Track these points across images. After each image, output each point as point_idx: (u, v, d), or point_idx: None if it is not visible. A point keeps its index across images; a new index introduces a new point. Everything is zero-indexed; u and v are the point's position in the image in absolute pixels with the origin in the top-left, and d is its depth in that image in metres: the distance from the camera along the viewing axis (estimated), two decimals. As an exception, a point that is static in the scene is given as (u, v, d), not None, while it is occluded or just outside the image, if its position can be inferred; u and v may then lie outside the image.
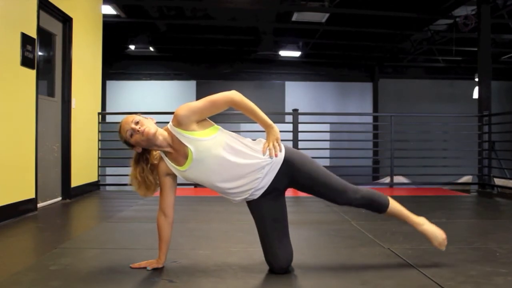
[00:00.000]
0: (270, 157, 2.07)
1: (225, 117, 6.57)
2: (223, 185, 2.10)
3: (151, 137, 2.07)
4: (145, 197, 2.26)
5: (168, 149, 2.12)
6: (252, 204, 2.18)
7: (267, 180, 2.09)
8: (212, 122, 2.14)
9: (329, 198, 2.18)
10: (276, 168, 2.09)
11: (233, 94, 2.06)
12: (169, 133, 2.10)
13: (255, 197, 2.13)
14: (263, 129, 2.14)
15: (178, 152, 2.10)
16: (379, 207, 2.22)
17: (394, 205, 2.25)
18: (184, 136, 2.06)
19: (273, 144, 2.07)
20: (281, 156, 2.10)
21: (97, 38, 5.78)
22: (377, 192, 2.25)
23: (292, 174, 2.12)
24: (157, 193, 2.25)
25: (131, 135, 2.09)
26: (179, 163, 2.12)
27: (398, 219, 2.28)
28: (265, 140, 2.12)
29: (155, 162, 2.22)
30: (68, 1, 4.79)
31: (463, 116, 8.20)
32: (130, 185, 2.22)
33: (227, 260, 2.34)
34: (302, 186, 2.17)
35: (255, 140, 2.16)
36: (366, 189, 2.22)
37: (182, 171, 2.12)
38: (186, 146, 2.06)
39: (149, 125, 2.08)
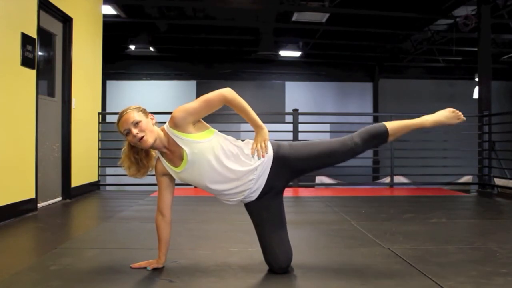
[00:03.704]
0: (258, 158, 2.08)
1: (225, 118, 6.57)
2: (217, 186, 2.10)
3: (147, 147, 2.08)
4: (133, 177, 2.21)
5: (164, 150, 2.12)
6: (250, 206, 2.18)
7: (262, 180, 2.10)
8: (208, 125, 2.14)
9: (334, 163, 2.21)
10: (268, 168, 2.10)
11: (226, 92, 2.06)
12: (165, 134, 2.09)
13: (252, 199, 2.14)
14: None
15: (174, 153, 2.10)
16: (381, 138, 2.20)
17: (393, 126, 2.21)
18: (180, 138, 2.05)
19: (260, 145, 2.08)
20: (270, 155, 2.10)
21: (97, 38, 5.78)
22: (371, 126, 2.23)
23: (289, 166, 2.13)
24: (156, 193, 2.25)
25: (127, 134, 2.08)
26: (174, 164, 2.12)
27: (405, 133, 2.26)
28: (252, 141, 2.13)
29: (152, 151, 2.21)
30: (68, 1, 4.79)
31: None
32: (121, 164, 2.19)
33: (227, 260, 2.34)
34: (305, 170, 2.22)
35: (243, 140, 2.17)
36: (361, 130, 2.21)
37: (177, 172, 2.12)
38: (181, 148, 2.06)
39: (148, 130, 2.05)
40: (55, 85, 4.74)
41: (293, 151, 2.14)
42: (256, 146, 2.08)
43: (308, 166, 2.19)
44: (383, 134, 2.20)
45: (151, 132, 2.06)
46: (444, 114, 2.25)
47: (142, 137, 2.04)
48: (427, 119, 2.25)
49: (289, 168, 2.14)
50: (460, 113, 2.24)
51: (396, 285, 1.96)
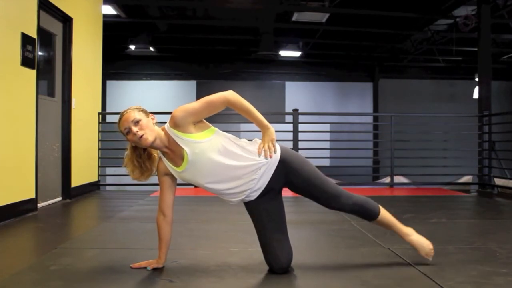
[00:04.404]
0: (265, 158, 2.07)
1: (225, 117, 6.57)
2: (219, 186, 2.10)
3: (147, 146, 2.08)
4: (137, 180, 2.22)
5: (165, 150, 2.12)
6: (250, 205, 2.18)
7: (263, 181, 2.09)
8: (209, 124, 2.14)
9: (322, 201, 2.18)
10: (272, 169, 2.09)
11: (229, 94, 2.05)
12: (166, 133, 2.09)
13: (252, 198, 2.14)
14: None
15: (175, 153, 2.10)
16: (369, 214, 2.23)
17: (385, 215, 2.25)
18: (180, 138, 2.05)
19: (268, 145, 2.07)
20: (276, 157, 2.09)
21: (97, 38, 5.78)
22: (369, 200, 2.25)
23: (287, 174, 2.12)
24: (157, 193, 2.25)
25: (127, 133, 2.09)
26: (176, 163, 2.12)
27: (386, 228, 2.30)
28: (260, 141, 2.12)
29: (154, 154, 2.22)
30: (68, 1, 4.79)
31: (463, 116, 8.19)
32: (124, 166, 2.20)
33: (227, 260, 2.34)
34: (296, 187, 2.17)
35: (251, 140, 2.16)
36: (359, 196, 2.22)
37: (179, 172, 2.12)
38: (182, 148, 2.06)
39: (148, 129, 2.05)
40: (55, 85, 4.74)
41: (301, 165, 2.12)
42: (264, 146, 2.08)
43: (302, 187, 2.15)
44: (371, 216, 2.23)
45: (151, 131, 2.07)
46: (423, 244, 2.22)
47: (142, 136, 2.04)
48: (411, 235, 2.24)
49: (289, 177, 2.12)
50: (432, 253, 2.22)
51: (396, 285, 1.96)
